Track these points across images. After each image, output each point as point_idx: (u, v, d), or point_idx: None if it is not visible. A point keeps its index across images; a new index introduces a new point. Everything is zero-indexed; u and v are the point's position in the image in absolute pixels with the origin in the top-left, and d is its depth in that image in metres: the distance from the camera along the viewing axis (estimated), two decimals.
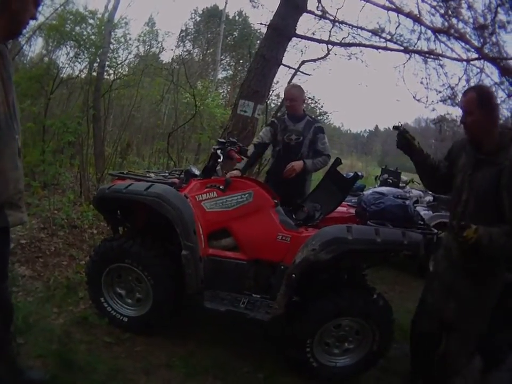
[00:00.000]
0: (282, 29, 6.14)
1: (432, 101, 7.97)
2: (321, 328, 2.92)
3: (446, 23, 7.16)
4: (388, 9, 7.08)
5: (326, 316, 2.90)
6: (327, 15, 7.28)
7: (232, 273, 3.11)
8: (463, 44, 7.18)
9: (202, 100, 8.87)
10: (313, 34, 7.59)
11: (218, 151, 3.25)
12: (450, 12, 7.13)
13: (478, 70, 7.32)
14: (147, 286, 3.12)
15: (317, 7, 7.13)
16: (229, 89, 23.62)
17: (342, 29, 7.62)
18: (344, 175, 3.81)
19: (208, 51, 24.08)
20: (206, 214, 3.11)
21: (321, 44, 7.71)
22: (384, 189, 3.30)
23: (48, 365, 2.71)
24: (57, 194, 6.55)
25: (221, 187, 3.14)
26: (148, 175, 3.59)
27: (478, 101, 2.39)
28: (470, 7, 7.09)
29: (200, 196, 3.16)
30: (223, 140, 3.45)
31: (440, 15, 7.20)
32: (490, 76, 7.41)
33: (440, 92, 7.80)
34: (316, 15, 7.16)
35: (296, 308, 2.92)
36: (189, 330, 3.36)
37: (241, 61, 24.76)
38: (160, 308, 3.14)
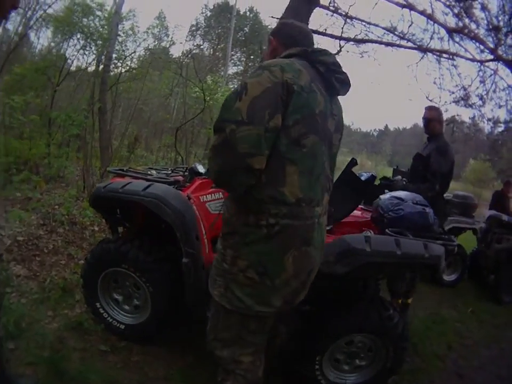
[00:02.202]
0: None
1: (445, 102, 7.93)
2: (333, 345, 2.69)
3: (460, 23, 7.04)
4: (402, 6, 6.92)
5: (338, 332, 2.66)
6: (339, 10, 7.13)
7: None
8: (477, 45, 7.11)
9: (211, 95, 8.65)
10: (325, 30, 7.35)
11: None
12: (463, 12, 6.99)
13: (492, 71, 7.27)
14: (145, 293, 2.90)
15: (329, 2, 6.98)
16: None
17: (354, 26, 7.54)
18: (359, 177, 3.56)
19: (219, 46, 23.84)
20: (211, 216, 2.87)
21: (334, 40, 7.53)
22: (402, 194, 3.04)
23: (39, 373, 2.53)
24: (60, 189, 6.41)
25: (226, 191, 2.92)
26: (149, 172, 3.36)
27: None
28: (483, 8, 7.00)
29: (204, 196, 2.94)
30: None
31: (454, 15, 7.10)
32: (505, 78, 7.29)
33: (453, 93, 7.77)
34: (328, 9, 7.00)
35: (306, 320, 2.69)
36: (189, 341, 3.13)
37: (251, 57, 24.57)
38: (159, 317, 2.92)
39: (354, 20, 7.33)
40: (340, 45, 7.65)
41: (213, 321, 1.95)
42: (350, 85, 1.97)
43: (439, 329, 4.21)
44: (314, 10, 6.35)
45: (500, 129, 10.97)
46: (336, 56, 8.13)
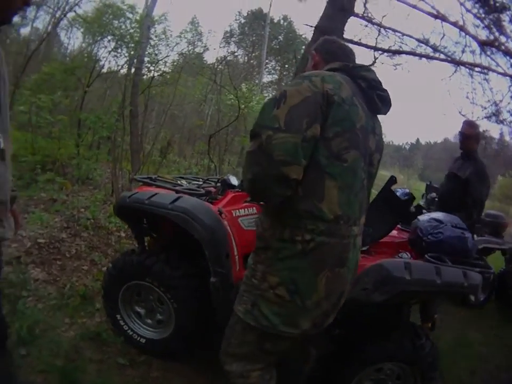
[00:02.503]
0: (329, 32, 5.75)
1: (478, 117, 7.64)
2: (362, 372, 2.52)
3: (491, 36, 6.83)
4: (435, 16, 6.70)
5: (371, 359, 2.50)
6: (373, 20, 6.98)
7: None
8: (507, 58, 6.84)
9: (246, 102, 8.57)
10: (360, 40, 7.18)
11: None
12: (492, 24, 6.80)
13: None
14: (169, 309, 2.74)
15: (363, 12, 6.84)
16: (273, 93, 23.30)
17: (388, 37, 7.31)
18: (398, 195, 3.37)
19: (253, 54, 23.86)
20: (243, 232, 2.68)
21: (369, 50, 7.30)
22: (440, 215, 2.86)
23: (51, 382, 2.42)
24: (87, 191, 6.37)
25: (261, 202, 2.74)
26: (179, 182, 3.22)
27: None
28: None
29: (237, 211, 2.75)
30: None
31: (484, 27, 6.86)
32: None
33: (485, 108, 7.50)
34: (363, 18, 6.85)
35: (336, 345, 2.55)
36: (211, 358, 2.94)
37: (286, 65, 24.54)
38: (182, 334, 2.75)
39: (388, 30, 7.15)
40: (374, 56, 7.48)
41: (227, 335, 1.89)
42: (391, 104, 1.92)
43: (463, 353, 4.04)
44: (349, 20, 6.23)
45: None
46: (371, 67, 8.02)
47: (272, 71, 26.69)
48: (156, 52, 8.78)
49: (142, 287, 2.80)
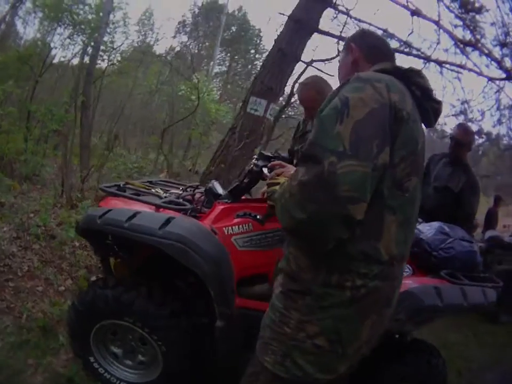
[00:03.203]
0: (304, 22, 5.47)
1: (446, 115, 7.93)
2: None
3: (472, 37, 6.76)
4: (412, 11, 6.45)
5: (389, 382, 2.26)
6: (350, 13, 6.63)
7: None
8: (484, 60, 7.09)
9: (200, 94, 8.10)
10: (341, 33, 6.87)
11: (265, 169, 2.18)
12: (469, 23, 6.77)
13: (497, 87, 7.01)
14: (155, 351, 2.23)
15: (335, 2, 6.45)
16: (220, 85, 22.77)
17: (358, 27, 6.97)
18: None
19: (204, 44, 23.13)
20: (238, 254, 2.19)
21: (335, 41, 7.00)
22: (446, 228, 2.61)
23: None
24: (35, 191, 5.69)
25: (258, 217, 2.25)
26: (154, 190, 2.66)
27: None
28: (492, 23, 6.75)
29: (230, 228, 2.22)
30: (269, 154, 2.42)
31: (465, 27, 6.82)
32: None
33: (454, 107, 7.72)
34: (339, 10, 6.49)
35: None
36: None
37: (236, 57, 24.03)
38: (172, 378, 2.26)
39: (359, 21, 6.81)
40: (338, 49, 7.17)
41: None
42: (439, 117, 1.56)
43: (447, 354, 3.95)
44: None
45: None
46: (332, 60, 7.73)
47: (221, 62, 26.13)
48: (112, 40, 8.17)
49: (118, 326, 2.26)
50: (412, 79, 1.41)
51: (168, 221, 2.01)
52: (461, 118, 7.81)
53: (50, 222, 4.32)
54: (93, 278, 3.55)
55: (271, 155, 2.37)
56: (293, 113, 13.24)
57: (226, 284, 1.98)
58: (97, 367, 2.35)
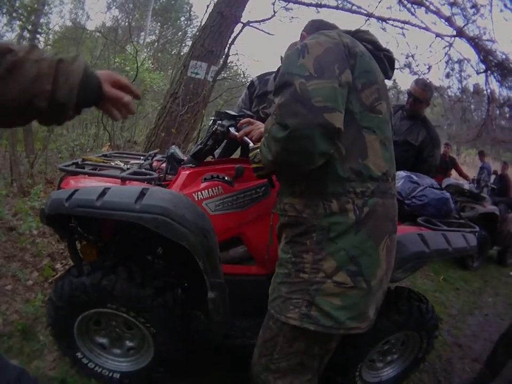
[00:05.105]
0: None
1: None
2: (374, 349, 2.24)
3: None
4: None
5: (381, 336, 2.21)
6: None
7: (246, 294, 2.02)
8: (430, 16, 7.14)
9: (132, 65, 7.64)
10: None
11: (232, 129, 1.98)
12: None
13: (448, 43, 7.06)
14: (142, 334, 2.03)
15: None
16: (151, 54, 21.74)
17: None
18: None
19: (135, 16, 21.81)
20: (211, 219, 1.94)
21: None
22: (414, 177, 2.56)
23: None
24: None
25: (226, 178, 2.03)
26: (113, 163, 2.34)
27: None
28: None
29: (199, 193, 1.99)
30: (234, 113, 2.11)
31: None
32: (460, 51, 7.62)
33: (398, 61, 7.61)
34: None
35: None
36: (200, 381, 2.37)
37: (165, 26, 22.97)
38: (166, 361, 2.06)
39: None
40: (274, 9, 7.01)
41: (265, 351, 1.49)
42: (395, 68, 1.67)
43: None
44: None
45: None
46: (268, 20, 7.44)
47: (151, 32, 24.94)
48: (47, 21, 7.55)
49: (101, 314, 2.02)
50: (361, 37, 1.51)
51: (142, 193, 1.74)
52: (406, 71, 7.87)
53: (6, 214, 3.90)
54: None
55: (236, 114, 2.10)
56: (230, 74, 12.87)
57: (214, 253, 1.77)
58: (87, 362, 2.12)
